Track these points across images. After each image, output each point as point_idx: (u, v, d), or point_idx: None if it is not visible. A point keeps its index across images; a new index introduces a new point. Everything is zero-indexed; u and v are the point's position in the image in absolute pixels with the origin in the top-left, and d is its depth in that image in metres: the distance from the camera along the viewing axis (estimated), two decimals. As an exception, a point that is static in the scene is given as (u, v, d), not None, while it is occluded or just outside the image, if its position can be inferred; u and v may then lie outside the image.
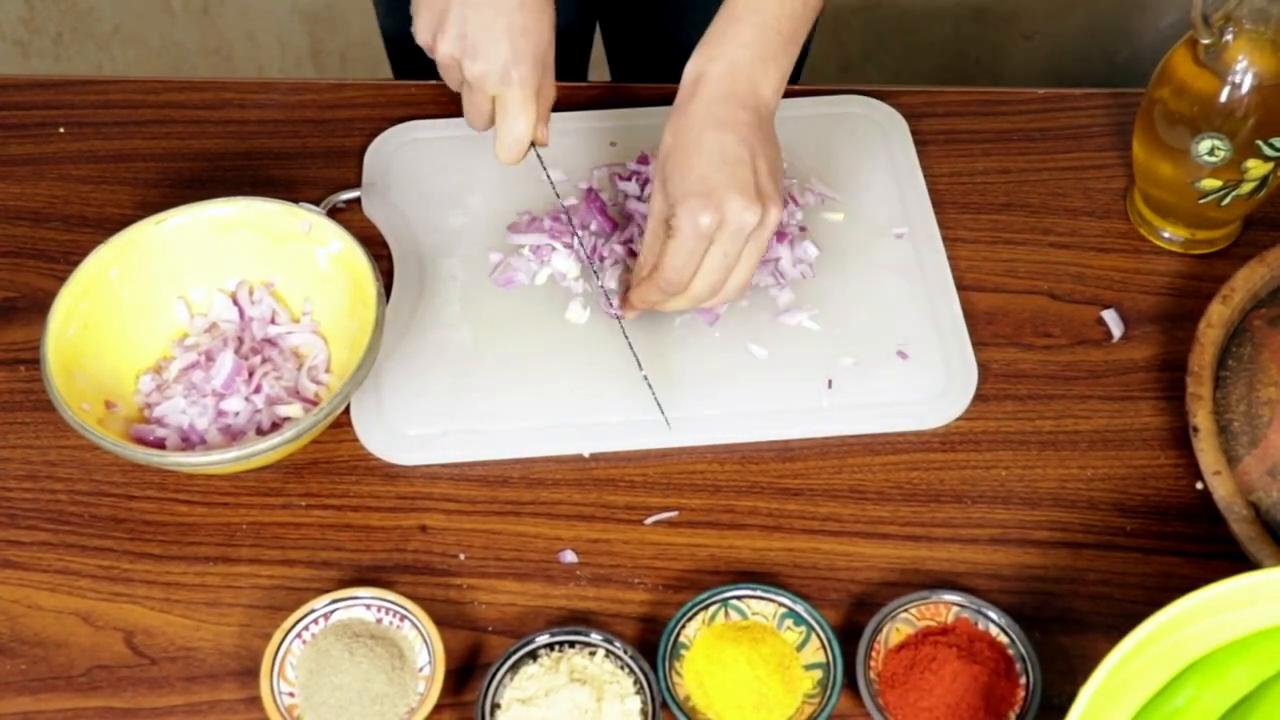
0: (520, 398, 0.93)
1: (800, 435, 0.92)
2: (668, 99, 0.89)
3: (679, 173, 0.85)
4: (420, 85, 1.11)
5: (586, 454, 0.92)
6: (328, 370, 0.94)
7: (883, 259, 1.00)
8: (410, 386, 0.94)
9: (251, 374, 0.92)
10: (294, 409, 0.90)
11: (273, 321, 0.96)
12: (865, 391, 0.93)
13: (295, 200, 0.96)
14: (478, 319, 0.98)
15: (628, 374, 0.94)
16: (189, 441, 0.90)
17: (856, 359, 0.94)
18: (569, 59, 1.33)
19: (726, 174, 0.85)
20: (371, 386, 0.93)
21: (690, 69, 0.88)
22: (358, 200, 1.04)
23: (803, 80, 1.31)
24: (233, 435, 0.90)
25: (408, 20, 0.95)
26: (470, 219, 1.03)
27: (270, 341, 0.95)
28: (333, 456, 0.92)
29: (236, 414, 0.91)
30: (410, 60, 1.06)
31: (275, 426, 0.90)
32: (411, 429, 0.92)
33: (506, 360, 0.95)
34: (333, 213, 0.97)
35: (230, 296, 0.96)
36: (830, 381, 0.93)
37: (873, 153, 1.06)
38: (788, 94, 1.05)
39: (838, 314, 0.96)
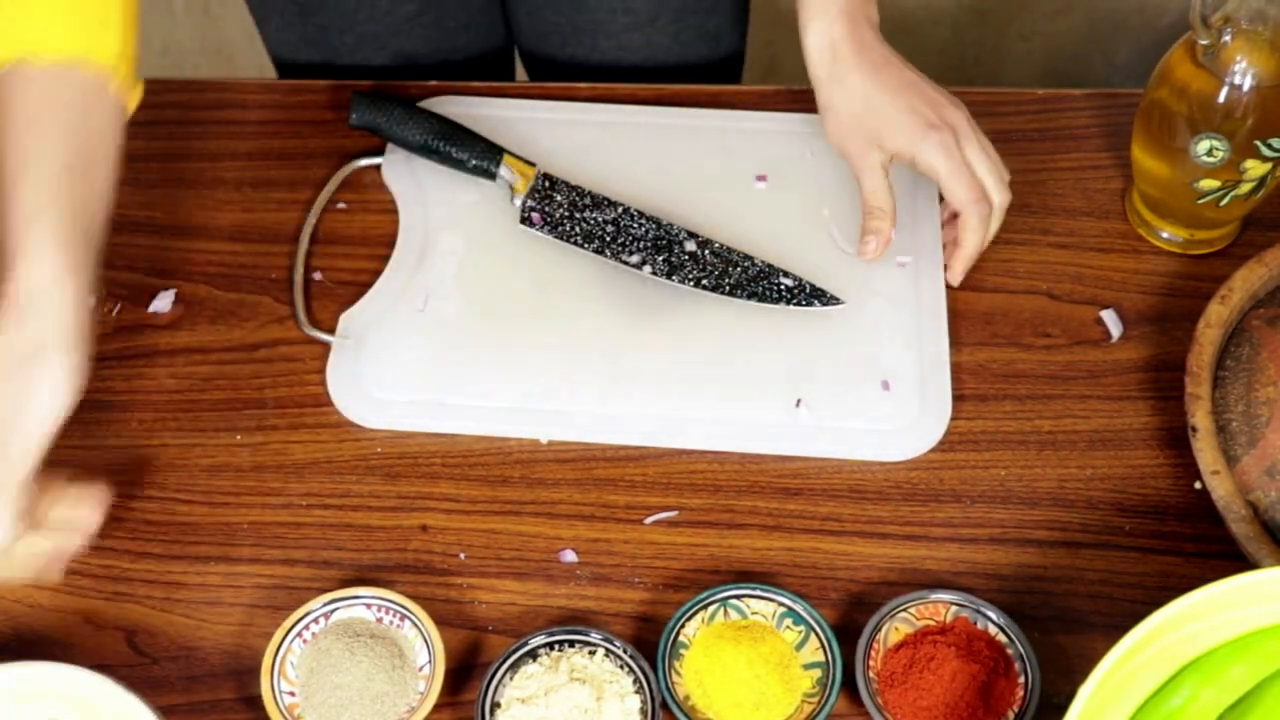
0: (495, 380, 0.94)
1: (773, 452, 0.91)
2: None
3: (887, 126, 0.94)
4: (420, 85, 1.11)
5: (544, 440, 0.92)
6: None
7: (880, 285, 0.99)
8: (388, 351, 0.95)
9: None
10: None
11: None
12: (839, 416, 0.92)
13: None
14: (469, 296, 0.98)
15: (599, 370, 0.94)
16: None
17: (835, 382, 0.94)
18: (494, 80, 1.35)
19: (921, 95, 0.95)
20: (352, 347, 0.94)
21: (814, 40, 0.96)
22: (378, 167, 1.05)
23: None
24: None
25: (298, 43, 1.02)
26: (482, 197, 1.03)
27: None
28: (334, 456, 0.92)
29: None
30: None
31: None
32: (380, 392, 0.93)
33: (487, 339, 0.96)
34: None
35: None
36: (799, 400, 0.92)
37: (896, 180, 1.02)
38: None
39: (822, 333, 0.96)
